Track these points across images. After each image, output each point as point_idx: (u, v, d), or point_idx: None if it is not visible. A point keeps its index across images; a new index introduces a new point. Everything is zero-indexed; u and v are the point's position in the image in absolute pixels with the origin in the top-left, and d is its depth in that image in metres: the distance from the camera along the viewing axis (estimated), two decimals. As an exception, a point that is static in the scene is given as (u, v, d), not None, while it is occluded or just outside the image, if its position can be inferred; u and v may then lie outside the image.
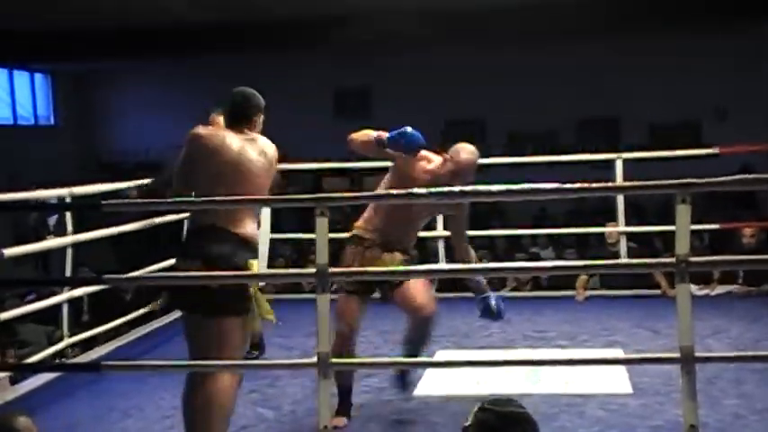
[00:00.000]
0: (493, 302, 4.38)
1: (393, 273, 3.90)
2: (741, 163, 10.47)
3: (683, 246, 3.03)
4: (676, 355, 3.12)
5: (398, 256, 4.24)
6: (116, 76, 14.40)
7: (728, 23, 10.81)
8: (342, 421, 4.20)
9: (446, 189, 3.37)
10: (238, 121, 3.77)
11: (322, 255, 3.16)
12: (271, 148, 3.79)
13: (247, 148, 3.70)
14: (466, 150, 4.27)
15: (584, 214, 10.17)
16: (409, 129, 4.14)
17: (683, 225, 3.03)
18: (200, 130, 3.76)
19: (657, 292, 6.61)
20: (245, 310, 3.62)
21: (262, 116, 3.85)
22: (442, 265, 6.79)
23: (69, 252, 5.27)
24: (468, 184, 4.02)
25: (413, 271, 4.08)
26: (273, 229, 7.79)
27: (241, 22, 11.30)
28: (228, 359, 3.52)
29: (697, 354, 3.13)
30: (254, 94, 3.87)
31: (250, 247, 3.68)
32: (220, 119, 4.66)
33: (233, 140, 3.69)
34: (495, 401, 2.43)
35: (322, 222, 3.15)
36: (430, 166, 4.28)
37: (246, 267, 3.59)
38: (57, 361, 5.36)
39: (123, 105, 14.69)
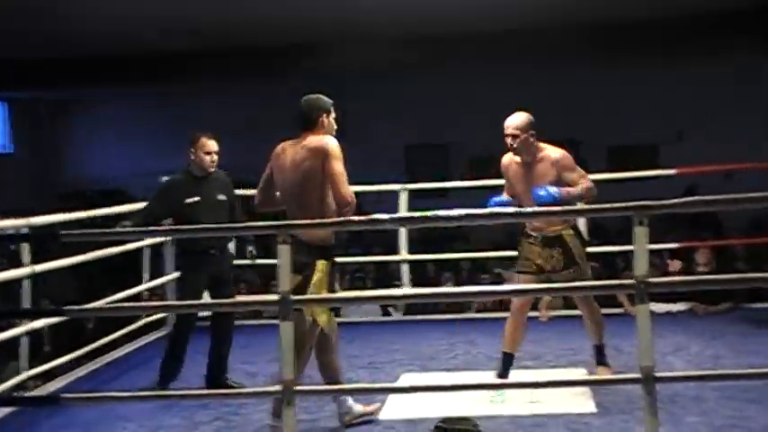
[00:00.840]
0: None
1: (357, 299, 3.91)
2: (687, 185, 10.63)
3: (641, 267, 3.09)
4: (638, 375, 3.16)
5: None
6: (79, 103, 14.32)
7: (686, 49, 11.01)
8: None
9: (408, 215, 3.40)
10: (303, 127, 4.22)
11: (284, 282, 3.17)
12: (310, 146, 4.12)
13: (293, 156, 4.16)
14: None
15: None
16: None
17: (641, 246, 3.09)
18: (278, 147, 4.26)
19: (620, 310, 6.67)
20: None
21: (330, 115, 4.26)
22: (409, 290, 6.83)
23: (26, 283, 5.21)
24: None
25: (379, 297, 4.12)
26: (238, 255, 7.77)
27: (209, 50, 11.29)
28: None
29: (657, 374, 3.17)
30: (317, 97, 4.31)
31: (319, 249, 4.08)
32: (205, 140, 5.24)
33: (287, 153, 4.19)
34: (448, 420, 2.49)
35: (284, 249, 3.16)
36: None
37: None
38: (15, 394, 5.27)
39: (85, 133, 14.59)
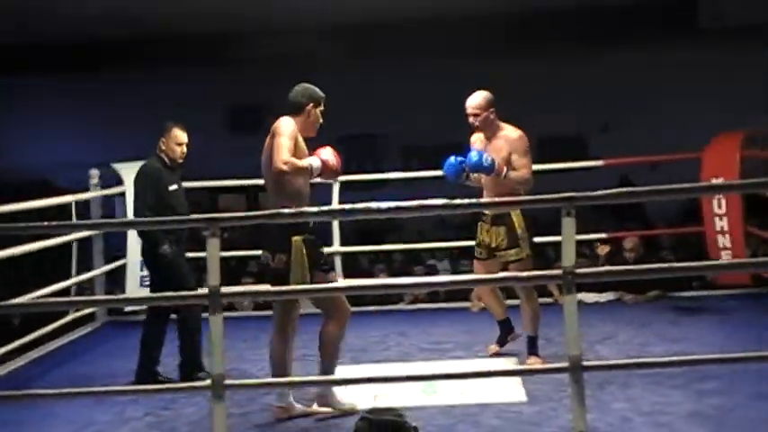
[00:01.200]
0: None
1: (286, 292, 3.89)
2: (620, 175, 10.83)
3: (569, 257, 3.13)
4: (565, 364, 3.20)
5: None
6: (7, 91, 13.94)
7: (611, 41, 11.21)
8: None
9: (337, 208, 3.39)
10: (289, 112, 4.45)
11: (214, 275, 3.13)
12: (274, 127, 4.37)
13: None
14: None
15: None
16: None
17: (569, 237, 3.13)
18: None
19: (550, 300, 6.76)
20: None
21: (318, 107, 4.53)
22: (349, 281, 6.81)
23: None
24: None
25: (315, 289, 4.12)
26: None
27: (134, 38, 11.11)
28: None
29: (584, 362, 3.22)
30: (308, 87, 4.57)
31: (292, 227, 4.33)
32: (177, 132, 5.40)
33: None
34: (373, 410, 2.51)
35: (213, 243, 3.13)
36: None
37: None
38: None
39: (14, 122, 14.20)
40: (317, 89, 4.59)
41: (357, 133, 12.31)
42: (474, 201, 3.13)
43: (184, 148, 5.42)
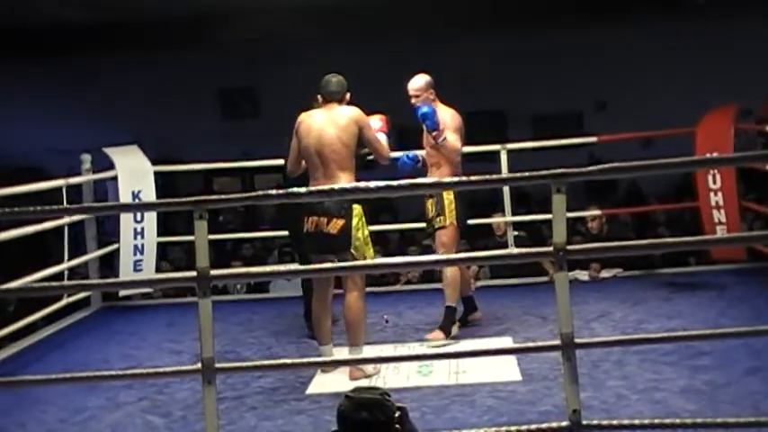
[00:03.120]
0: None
1: (274, 273, 3.87)
2: (588, 154, 10.77)
3: (559, 234, 3.10)
4: (557, 342, 3.19)
5: None
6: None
7: (602, 18, 11.15)
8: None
9: (326, 188, 3.36)
10: (334, 99, 4.87)
11: (203, 258, 3.11)
12: (346, 114, 4.80)
13: (327, 120, 4.79)
14: None
15: (475, 205, 10.32)
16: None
17: (560, 214, 3.10)
18: (303, 117, 4.86)
19: (546, 278, 6.74)
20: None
21: (349, 96, 4.93)
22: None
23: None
24: None
25: (302, 270, 4.10)
26: (167, 231, 7.64)
27: (122, 21, 11.03)
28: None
29: (577, 340, 3.21)
30: (340, 78, 4.94)
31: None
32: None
33: (315, 118, 4.83)
34: (358, 389, 2.54)
35: (201, 225, 3.11)
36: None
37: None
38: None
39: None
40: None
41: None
42: (462, 179, 3.09)
43: None
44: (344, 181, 4.70)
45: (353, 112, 4.83)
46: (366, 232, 4.78)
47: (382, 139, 4.96)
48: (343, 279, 4.85)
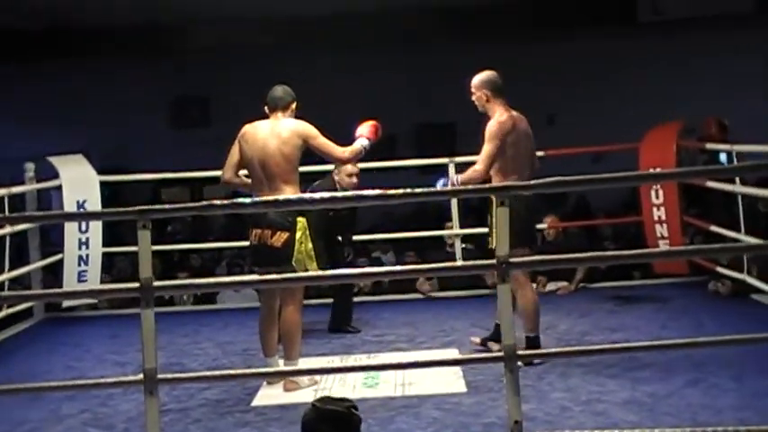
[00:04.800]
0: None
1: (218, 284, 3.85)
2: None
3: (502, 247, 3.13)
4: (500, 354, 3.22)
5: None
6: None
7: (551, 33, 11.30)
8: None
9: (272, 198, 3.36)
10: (277, 108, 4.82)
11: (146, 268, 3.09)
12: (288, 127, 4.75)
13: (270, 132, 4.73)
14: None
15: (426, 217, 10.36)
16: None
17: (502, 226, 3.13)
18: (247, 127, 4.81)
19: (491, 291, 6.79)
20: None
21: (296, 104, 4.87)
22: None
23: None
24: None
25: (246, 282, 4.07)
26: (115, 241, 7.55)
27: (75, 29, 10.90)
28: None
29: (519, 352, 3.24)
30: (284, 87, 4.89)
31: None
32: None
33: (260, 129, 4.77)
34: (325, 399, 2.52)
35: (145, 235, 3.08)
36: None
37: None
38: None
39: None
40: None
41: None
42: (407, 191, 3.11)
43: (354, 179, 5.94)
44: (288, 194, 4.61)
45: (296, 125, 4.76)
46: (310, 245, 4.70)
47: (363, 143, 4.85)
48: (280, 292, 4.78)
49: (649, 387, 4.48)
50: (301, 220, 4.66)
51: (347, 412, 2.50)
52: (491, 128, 4.98)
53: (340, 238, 6.15)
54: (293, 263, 4.65)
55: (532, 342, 4.98)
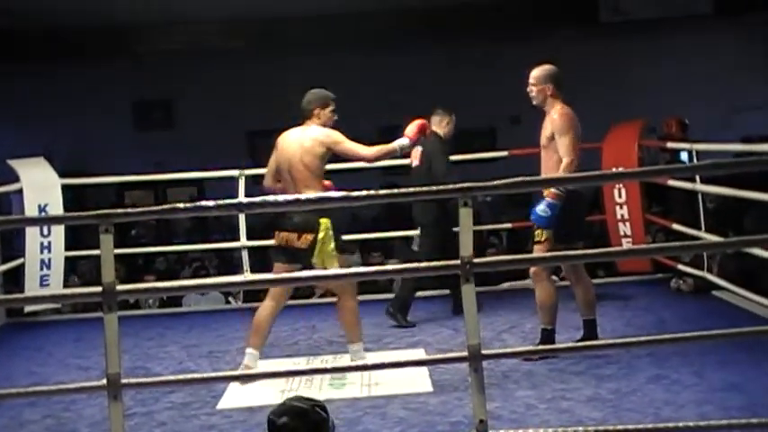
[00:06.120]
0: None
1: (182, 287, 3.82)
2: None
3: (466, 247, 3.15)
4: (465, 353, 3.23)
5: None
6: None
7: (516, 34, 11.37)
8: None
9: (236, 201, 3.35)
10: (303, 116, 5.02)
11: (108, 272, 3.06)
12: (311, 136, 4.93)
13: (295, 141, 4.95)
14: None
15: (392, 218, 10.38)
16: None
17: (466, 227, 3.15)
18: (282, 135, 5.04)
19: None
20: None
21: (327, 107, 5.00)
22: (252, 276, 6.76)
23: None
24: None
25: (209, 285, 4.06)
26: (79, 245, 7.48)
27: (35, 30, 10.78)
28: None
29: (484, 351, 3.25)
30: (312, 92, 5.05)
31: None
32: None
33: (289, 137, 5.00)
34: (295, 397, 2.55)
35: (107, 239, 3.06)
36: None
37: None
38: None
39: None
40: (324, 91, 5.07)
41: (268, 128, 12.16)
42: (370, 193, 3.12)
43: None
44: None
45: (318, 133, 4.93)
46: (332, 246, 4.85)
47: (401, 143, 4.97)
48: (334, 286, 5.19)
49: (613, 384, 4.52)
50: (324, 221, 4.83)
51: (310, 408, 2.53)
52: (563, 120, 4.93)
53: None
54: (314, 260, 4.84)
55: (547, 336, 5.03)
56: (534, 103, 5.08)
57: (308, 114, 5.01)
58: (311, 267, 4.80)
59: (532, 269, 5.08)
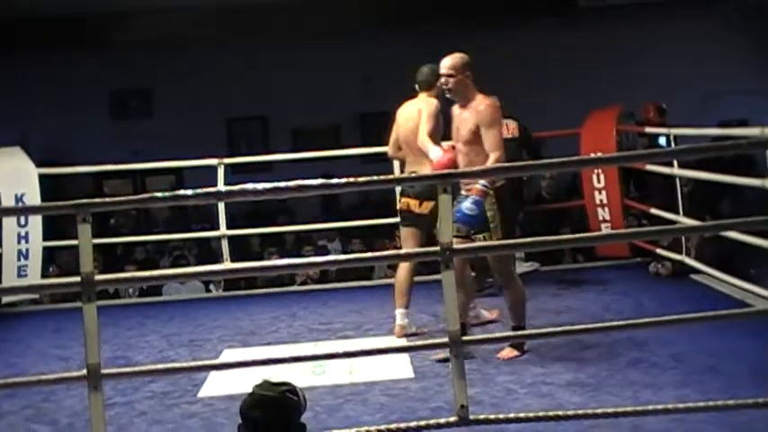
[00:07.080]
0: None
1: (161, 277, 3.82)
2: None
3: (446, 234, 3.16)
4: (445, 340, 3.25)
5: None
6: None
7: (491, 21, 11.37)
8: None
9: (215, 189, 3.34)
10: (425, 88, 5.28)
11: (87, 262, 3.05)
12: (418, 106, 5.23)
13: (409, 111, 5.28)
14: None
15: (371, 206, 10.39)
16: None
17: (444, 213, 3.16)
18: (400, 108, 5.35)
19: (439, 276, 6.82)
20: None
21: (439, 79, 4.89)
22: (232, 265, 6.75)
23: None
24: None
25: (186, 274, 4.05)
26: (58, 234, 7.43)
27: (12, 18, 10.66)
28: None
29: (464, 338, 3.27)
30: (430, 66, 5.20)
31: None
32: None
33: (405, 109, 5.34)
34: (261, 385, 2.52)
35: (85, 229, 3.05)
36: None
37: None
38: None
39: None
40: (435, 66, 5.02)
41: (247, 115, 12.13)
42: (345, 181, 3.12)
43: None
44: (427, 166, 4.97)
45: (427, 105, 5.18)
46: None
47: (435, 152, 5.01)
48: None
49: (593, 368, 4.56)
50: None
51: (281, 397, 2.50)
52: (489, 112, 4.67)
53: None
54: (435, 231, 4.78)
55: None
56: (449, 96, 4.79)
57: (424, 88, 5.27)
58: (433, 235, 4.76)
59: (500, 271, 4.84)
